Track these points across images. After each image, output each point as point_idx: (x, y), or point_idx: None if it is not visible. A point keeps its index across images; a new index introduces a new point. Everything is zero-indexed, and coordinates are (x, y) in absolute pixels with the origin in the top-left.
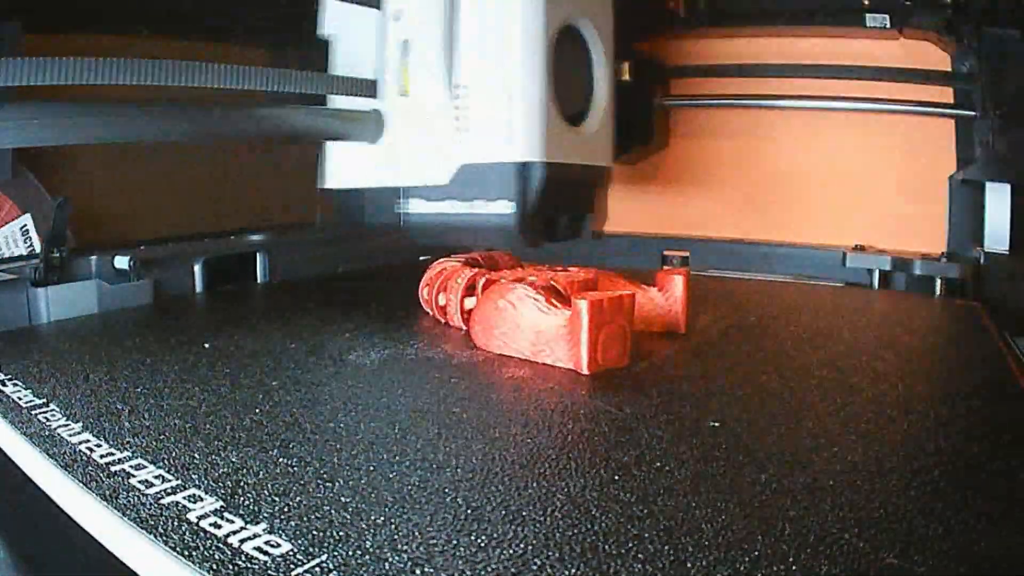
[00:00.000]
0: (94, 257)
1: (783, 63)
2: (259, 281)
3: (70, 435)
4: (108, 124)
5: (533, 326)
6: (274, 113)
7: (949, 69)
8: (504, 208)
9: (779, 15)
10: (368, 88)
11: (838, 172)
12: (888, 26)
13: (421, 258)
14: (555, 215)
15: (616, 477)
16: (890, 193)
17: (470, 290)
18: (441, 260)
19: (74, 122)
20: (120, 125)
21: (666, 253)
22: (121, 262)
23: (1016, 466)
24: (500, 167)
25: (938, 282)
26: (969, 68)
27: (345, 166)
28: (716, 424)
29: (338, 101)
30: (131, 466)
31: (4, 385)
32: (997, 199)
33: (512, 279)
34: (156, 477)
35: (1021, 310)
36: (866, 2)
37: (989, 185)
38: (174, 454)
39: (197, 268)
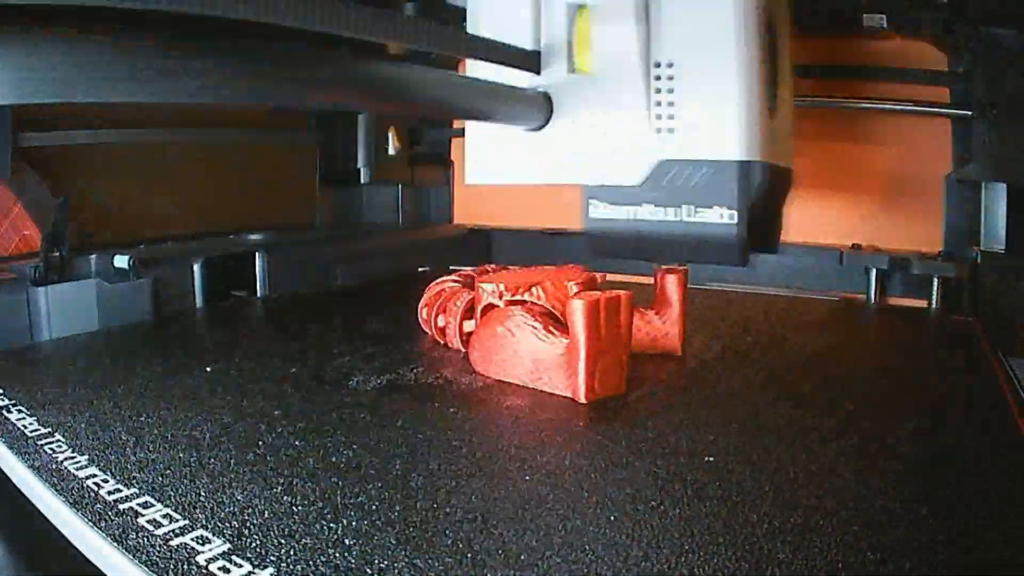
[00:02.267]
0: (94, 256)
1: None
2: (259, 293)
3: (77, 468)
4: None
5: (531, 354)
6: (423, 78)
7: (946, 69)
8: (722, 217)
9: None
10: (530, 61)
11: (835, 171)
12: (885, 26)
13: (420, 269)
14: (759, 226)
15: (612, 518)
16: (887, 192)
17: (469, 313)
18: (439, 280)
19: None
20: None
21: None
22: (121, 261)
23: (1007, 509)
24: (713, 167)
25: (935, 281)
26: (966, 68)
27: (495, 158)
28: (711, 459)
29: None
30: (139, 504)
31: (9, 412)
32: (994, 198)
33: (513, 286)
34: (164, 516)
35: (1017, 310)
36: (863, 2)
37: (985, 185)
38: (180, 491)
39: (196, 267)
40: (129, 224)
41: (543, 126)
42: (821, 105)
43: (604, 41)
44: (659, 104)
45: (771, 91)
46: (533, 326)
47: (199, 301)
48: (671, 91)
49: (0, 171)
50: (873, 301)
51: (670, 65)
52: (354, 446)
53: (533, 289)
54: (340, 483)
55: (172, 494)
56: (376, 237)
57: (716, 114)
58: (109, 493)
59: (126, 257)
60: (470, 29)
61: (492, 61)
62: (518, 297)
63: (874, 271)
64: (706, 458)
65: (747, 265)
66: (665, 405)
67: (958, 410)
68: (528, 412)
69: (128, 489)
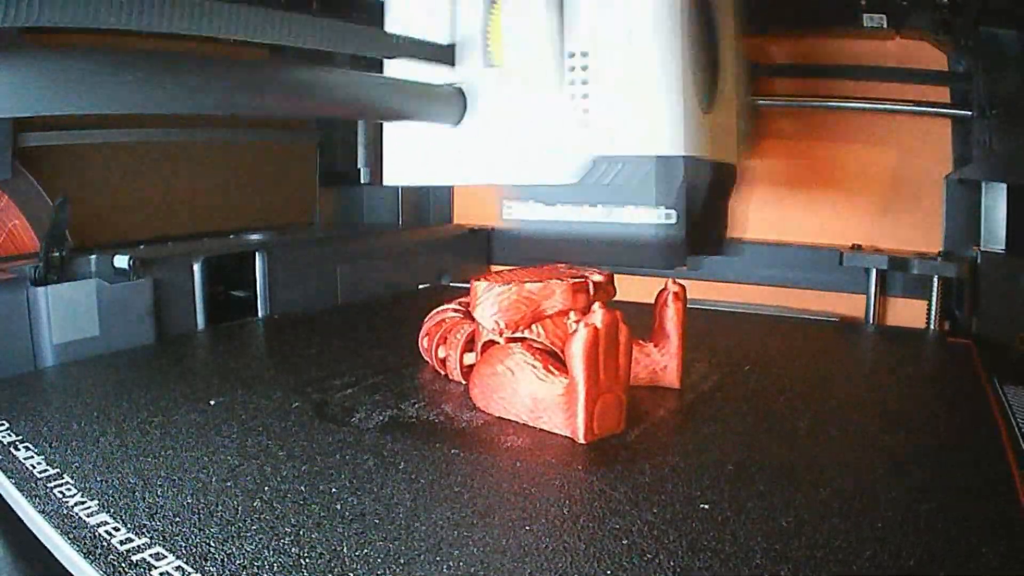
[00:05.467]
0: (93, 256)
1: (778, 63)
2: (259, 293)
3: (87, 515)
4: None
5: (531, 393)
6: (327, 79)
7: (946, 69)
8: (659, 217)
9: (774, 15)
10: (446, 54)
11: (835, 172)
12: (885, 26)
13: (420, 286)
14: (702, 227)
15: (608, 572)
16: (887, 193)
17: (469, 345)
18: (439, 309)
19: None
20: (103, 88)
21: None
22: (120, 261)
23: (999, 566)
24: (648, 164)
25: (935, 281)
26: (966, 68)
27: (415, 158)
28: (706, 507)
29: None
30: (151, 555)
31: (16, 448)
32: (994, 198)
33: (512, 323)
34: (176, 569)
35: (1016, 312)
36: (863, 1)
37: (986, 184)
38: (191, 541)
39: (196, 267)
40: (128, 224)
41: (459, 122)
42: (820, 105)
43: (519, 32)
44: (586, 97)
45: (709, 82)
46: (533, 365)
47: (199, 300)
48: (594, 83)
49: (0, 171)
50: (873, 304)
51: (587, 55)
52: (358, 492)
53: (533, 327)
54: (346, 533)
55: (183, 544)
56: (376, 237)
57: (648, 108)
58: (121, 543)
59: (126, 257)
60: (388, 26)
61: (405, 57)
62: (518, 334)
63: (874, 271)
64: (701, 505)
65: (687, 267)
66: (662, 445)
67: (952, 454)
68: (528, 454)
69: (139, 538)
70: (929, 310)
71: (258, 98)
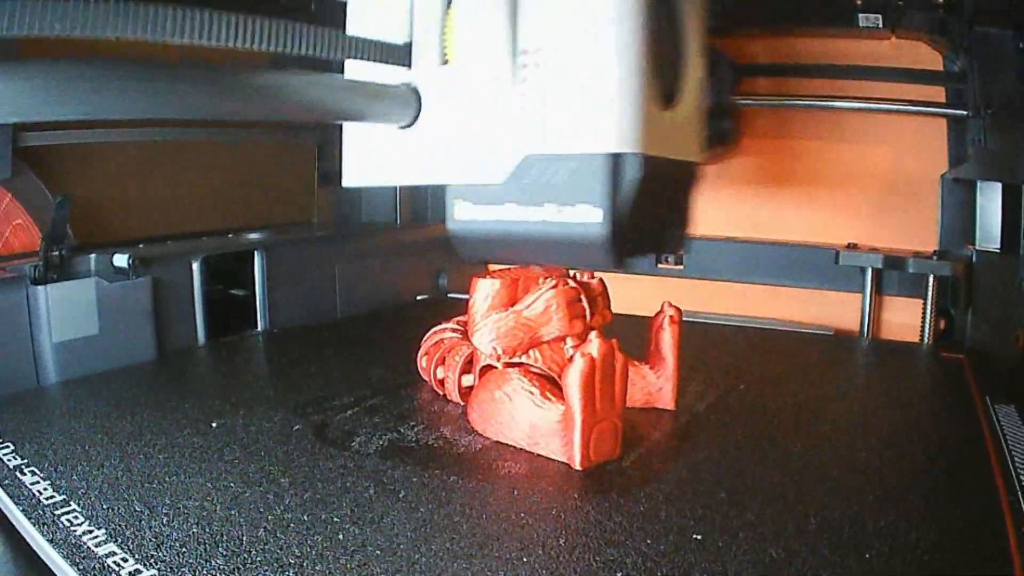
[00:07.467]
0: (93, 255)
1: (774, 63)
2: (257, 292)
3: (95, 544)
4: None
5: (528, 419)
6: (278, 81)
7: (941, 68)
8: (588, 215)
9: (770, 15)
10: (399, 54)
11: (831, 171)
12: (880, 26)
13: (418, 297)
14: (646, 226)
15: None
16: (883, 192)
17: (467, 366)
18: (437, 328)
19: None
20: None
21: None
22: (120, 260)
23: None
24: (579, 161)
25: (930, 280)
26: (961, 67)
27: (368, 158)
28: (699, 537)
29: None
30: None
31: (23, 473)
32: (988, 197)
33: (510, 349)
34: None
35: (1011, 308)
36: (859, 2)
37: (980, 184)
38: (198, 573)
39: (196, 266)
40: (128, 223)
41: (413, 122)
42: (817, 105)
43: (466, 27)
44: (524, 95)
45: (668, 76)
46: (530, 391)
47: (198, 299)
48: (538, 79)
49: (0, 171)
50: (868, 302)
51: (537, 51)
52: (359, 522)
53: (531, 352)
54: (348, 564)
55: None
56: (374, 236)
57: (585, 103)
58: (130, 574)
59: (125, 256)
60: (349, 26)
61: (359, 58)
62: (515, 360)
63: (869, 270)
64: (694, 536)
65: (625, 269)
66: (657, 472)
67: (942, 481)
68: (525, 481)
69: (147, 570)
70: (924, 308)
71: (202, 101)
